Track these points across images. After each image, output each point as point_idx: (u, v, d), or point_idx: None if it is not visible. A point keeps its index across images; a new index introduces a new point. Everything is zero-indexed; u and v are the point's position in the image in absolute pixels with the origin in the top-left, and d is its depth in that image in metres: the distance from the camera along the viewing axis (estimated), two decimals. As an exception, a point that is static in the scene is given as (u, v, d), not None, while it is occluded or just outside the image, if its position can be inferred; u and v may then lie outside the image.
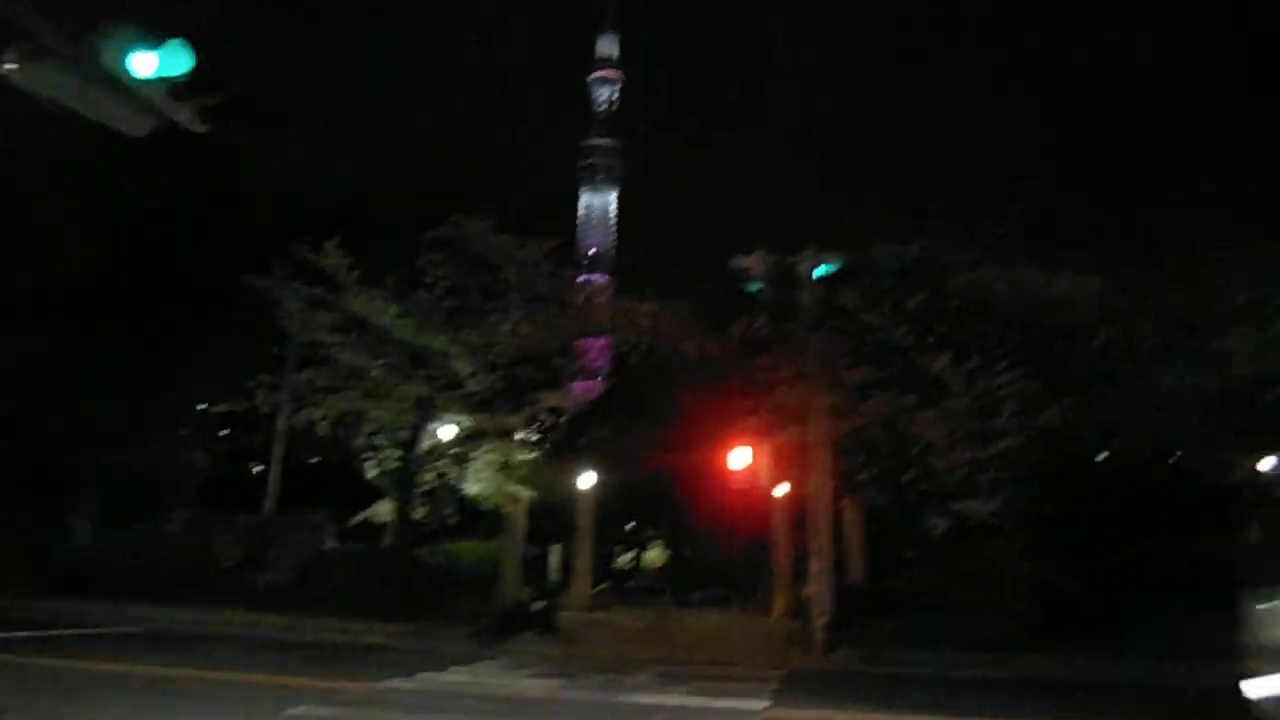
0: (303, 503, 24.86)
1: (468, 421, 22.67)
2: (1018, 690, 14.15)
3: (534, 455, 25.86)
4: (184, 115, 7.94)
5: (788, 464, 20.15)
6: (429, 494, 24.38)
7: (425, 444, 22.30)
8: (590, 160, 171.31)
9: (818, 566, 18.49)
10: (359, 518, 25.15)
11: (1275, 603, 7.54)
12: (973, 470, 18.40)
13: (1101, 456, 20.57)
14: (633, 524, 40.41)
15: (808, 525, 18.87)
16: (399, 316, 19.84)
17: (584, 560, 28.36)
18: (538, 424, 24.99)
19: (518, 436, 24.76)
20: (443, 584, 21.96)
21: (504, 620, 19.99)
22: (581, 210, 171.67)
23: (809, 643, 18.41)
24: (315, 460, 25.96)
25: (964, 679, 15.43)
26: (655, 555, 44.89)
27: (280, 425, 23.69)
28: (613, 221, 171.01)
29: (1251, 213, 18.04)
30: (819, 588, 18.46)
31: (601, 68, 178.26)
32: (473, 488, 25.59)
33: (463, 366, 21.03)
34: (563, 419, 25.22)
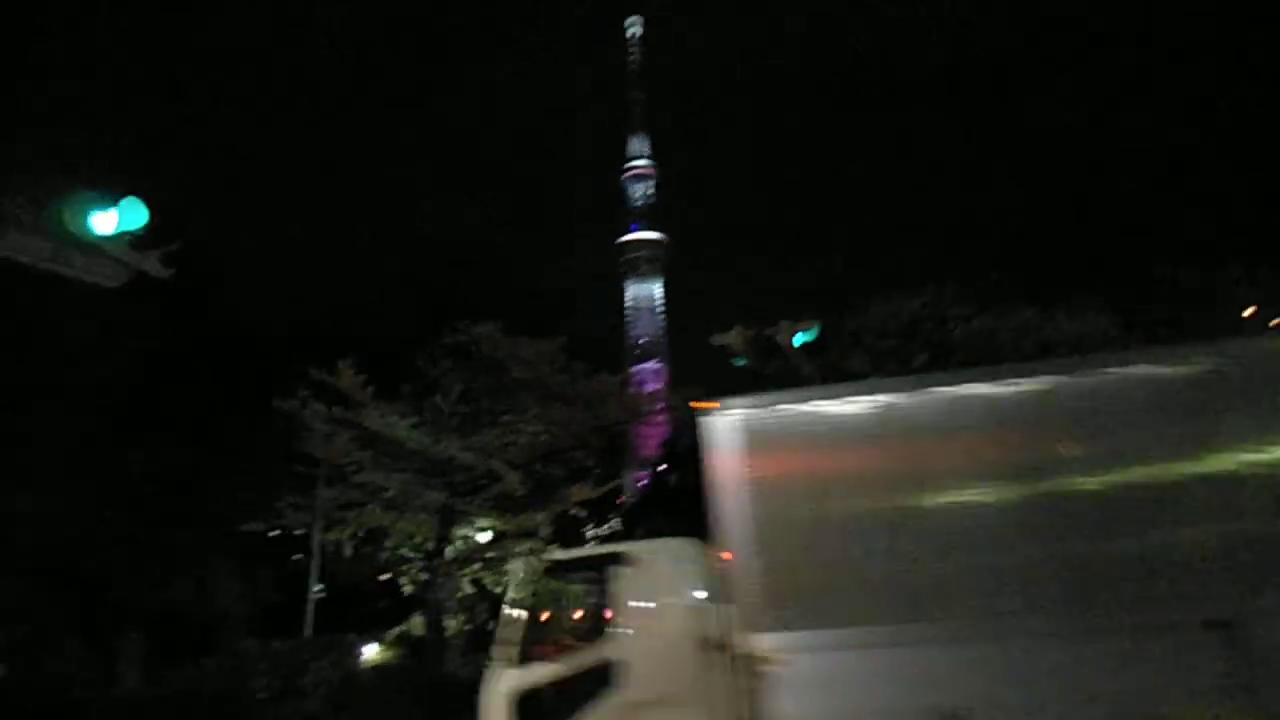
0: (343, 624, 24.95)
1: (493, 525, 22.82)
2: None
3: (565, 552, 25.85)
4: (149, 264, 8.61)
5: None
6: (466, 603, 24.32)
7: (450, 552, 22.37)
8: (632, 254, 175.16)
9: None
10: (393, 633, 25.10)
11: None
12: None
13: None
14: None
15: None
16: (414, 428, 20.22)
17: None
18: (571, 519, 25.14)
19: (543, 533, 24.89)
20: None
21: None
22: (629, 302, 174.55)
23: None
24: (354, 580, 26.18)
25: None
26: None
27: (314, 545, 24.09)
28: (659, 310, 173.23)
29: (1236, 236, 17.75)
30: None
31: (634, 167, 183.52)
32: (515, 592, 25.50)
33: (481, 469, 21.25)
34: (614, 513, 25.16)
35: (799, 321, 14.79)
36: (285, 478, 22.33)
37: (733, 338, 14.61)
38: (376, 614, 26.54)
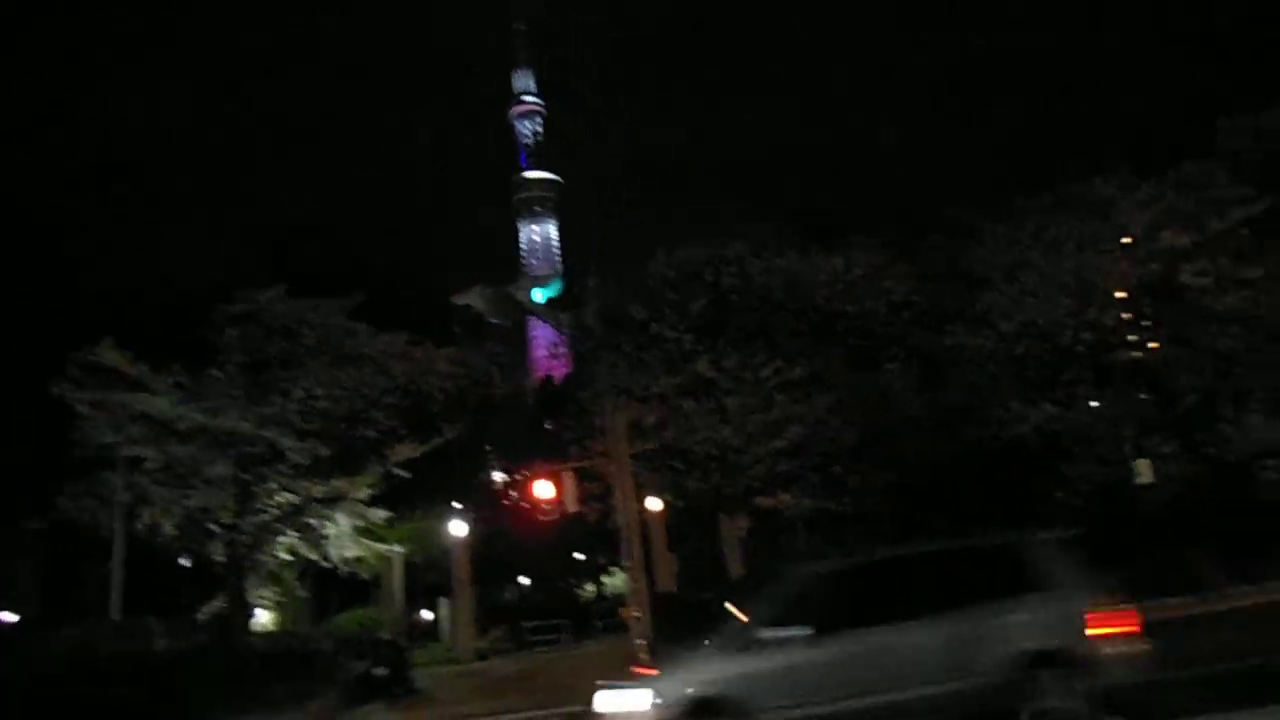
0: (157, 603, 24.17)
1: (298, 493, 22.34)
2: None
3: (389, 514, 25.61)
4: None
5: (599, 486, 19.93)
6: (275, 574, 23.92)
7: (250, 524, 21.79)
8: (525, 195, 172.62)
9: (634, 586, 18.24)
10: (211, 608, 24.50)
11: None
12: (768, 464, 18.33)
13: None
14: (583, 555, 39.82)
15: (623, 545, 18.62)
16: (183, 402, 19.42)
17: (465, 611, 27.83)
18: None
19: (362, 496, 24.56)
20: (290, 666, 21.23)
21: (348, 695, 19.53)
22: (524, 244, 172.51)
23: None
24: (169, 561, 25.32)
25: None
26: (619, 581, 43.28)
27: (116, 527, 23.12)
28: (556, 251, 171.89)
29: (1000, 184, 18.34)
30: (638, 607, 18.20)
31: (522, 103, 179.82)
32: (339, 555, 25.30)
33: (266, 439, 20.65)
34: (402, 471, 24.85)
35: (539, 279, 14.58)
36: (71, 465, 21.33)
37: (474, 297, 14.40)
38: (194, 593, 25.85)
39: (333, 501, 23.17)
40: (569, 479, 19.37)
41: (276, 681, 21.37)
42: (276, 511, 22.11)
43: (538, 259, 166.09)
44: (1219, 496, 18.33)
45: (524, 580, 41.87)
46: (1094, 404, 17.44)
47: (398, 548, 26.91)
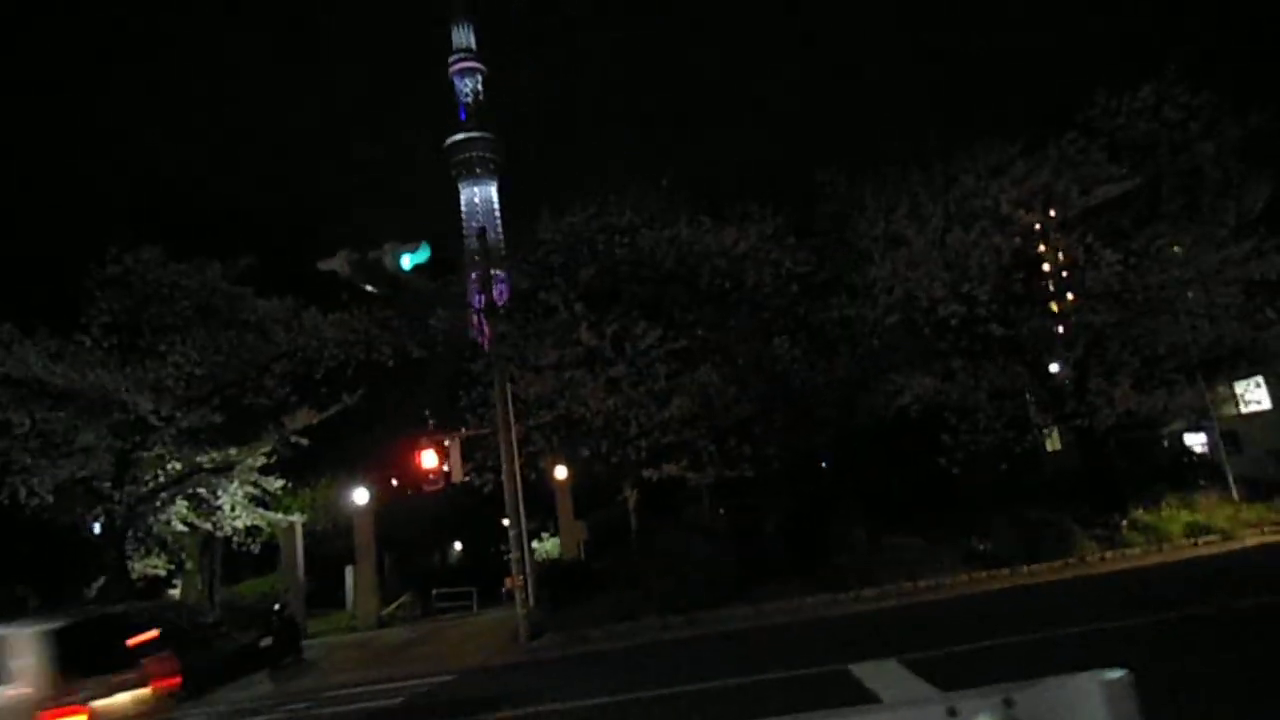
0: (39, 576, 23.43)
1: (178, 462, 21.72)
2: (692, 645, 14.37)
3: (283, 482, 25.12)
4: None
5: (485, 453, 19.74)
6: (162, 542, 23.33)
7: (129, 493, 21.11)
8: (465, 155, 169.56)
9: (516, 555, 18.16)
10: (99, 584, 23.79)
11: None
12: (654, 434, 18.33)
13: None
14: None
15: (507, 513, 18.50)
16: (48, 365, 18.59)
17: (366, 578, 27.61)
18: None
19: (257, 464, 24.03)
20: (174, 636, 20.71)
21: (226, 666, 19.17)
22: (464, 205, 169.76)
23: (518, 633, 18.12)
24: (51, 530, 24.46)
25: (650, 644, 15.53)
26: (550, 546, 42.46)
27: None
28: (497, 212, 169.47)
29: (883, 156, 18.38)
30: (521, 576, 18.15)
31: (461, 59, 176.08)
32: (231, 525, 24.81)
33: (147, 405, 19.93)
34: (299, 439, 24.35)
35: (406, 243, 14.12)
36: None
37: (338, 263, 13.85)
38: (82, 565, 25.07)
39: (223, 470, 22.62)
40: (455, 449, 19.20)
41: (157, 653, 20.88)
42: (159, 480, 21.49)
43: (478, 220, 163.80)
44: (1090, 465, 18.99)
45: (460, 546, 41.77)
46: (969, 376, 17.75)
47: (296, 516, 26.50)
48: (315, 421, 24.83)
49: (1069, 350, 17.64)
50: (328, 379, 23.46)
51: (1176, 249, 16.60)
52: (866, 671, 8.67)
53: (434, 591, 31.16)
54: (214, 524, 23.96)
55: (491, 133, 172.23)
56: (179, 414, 20.73)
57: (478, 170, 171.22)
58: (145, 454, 21.50)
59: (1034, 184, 15.65)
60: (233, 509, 24.09)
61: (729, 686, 9.76)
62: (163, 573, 24.74)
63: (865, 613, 15.67)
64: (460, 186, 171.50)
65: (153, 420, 20.11)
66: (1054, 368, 18.84)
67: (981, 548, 16.85)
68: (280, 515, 25.93)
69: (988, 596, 15.47)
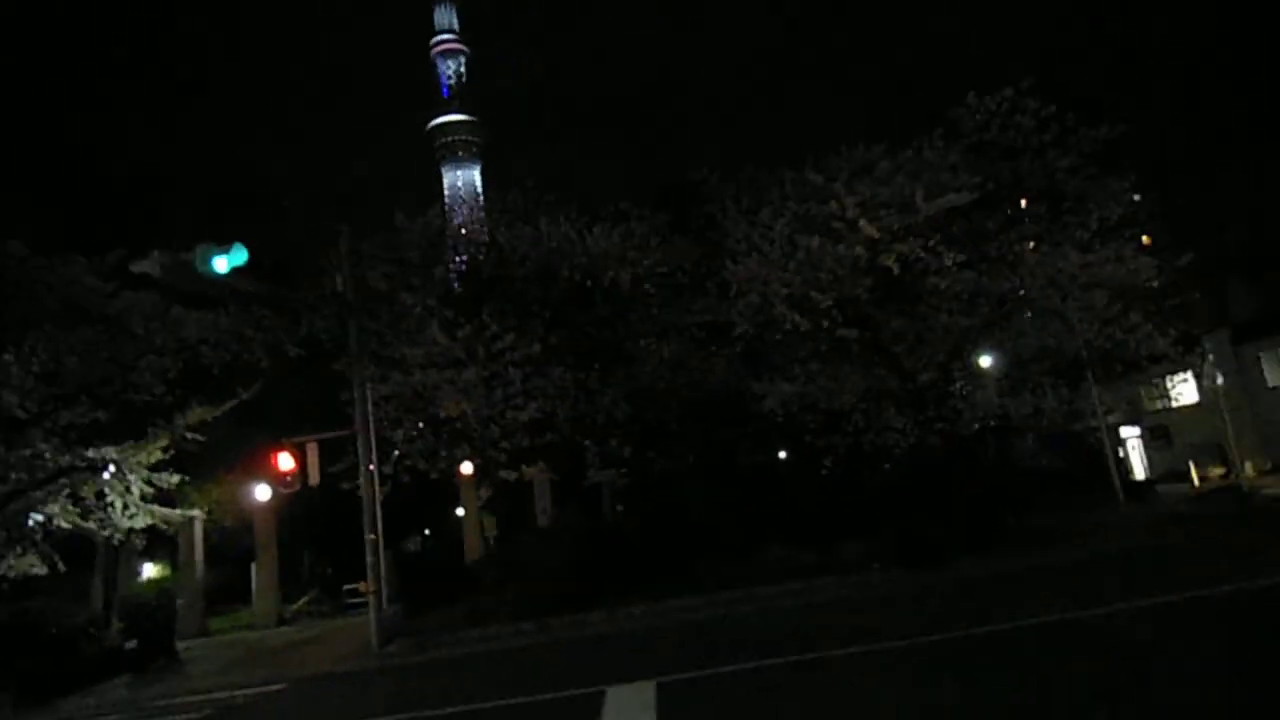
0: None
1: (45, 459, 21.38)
2: (536, 653, 14.37)
3: (180, 478, 24.82)
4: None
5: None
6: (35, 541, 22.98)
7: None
8: (448, 138, 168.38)
9: (371, 560, 17.90)
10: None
11: None
12: (516, 437, 18.08)
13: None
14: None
15: (364, 518, 18.22)
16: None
17: (268, 575, 27.39)
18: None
19: (149, 461, 23.72)
20: (23, 642, 20.40)
21: (87, 671, 18.95)
22: (447, 190, 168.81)
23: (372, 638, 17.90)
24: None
25: (500, 651, 15.42)
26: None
27: None
28: (479, 196, 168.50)
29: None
30: (375, 582, 17.89)
31: (443, 41, 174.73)
32: (128, 521, 24.55)
33: (12, 399, 19.56)
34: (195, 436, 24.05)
35: (222, 245, 13.77)
36: None
37: (150, 265, 13.53)
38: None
39: (100, 468, 22.28)
40: (313, 450, 18.88)
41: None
42: (24, 479, 21.13)
43: (462, 204, 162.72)
44: (955, 468, 18.77)
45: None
46: (830, 381, 17.51)
47: (194, 512, 26.23)
48: (210, 418, 24.54)
49: (929, 354, 17.41)
50: (224, 375, 23.18)
51: (1033, 253, 16.35)
52: (617, 698, 8.61)
53: (344, 588, 30.88)
54: (99, 522, 23.63)
55: (475, 115, 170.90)
56: (50, 409, 20.38)
57: (460, 153, 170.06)
58: (24, 452, 21.16)
59: (883, 190, 15.35)
60: (125, 508, 23.78)
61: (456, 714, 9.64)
62: (42, 571, 24.39)
63: (701, 621, 15.51)
64: (443, 170, 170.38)
65: (20, 415, 19.77)
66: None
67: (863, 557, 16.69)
68: (178, 512, 25.65)
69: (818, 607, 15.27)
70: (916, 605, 13.86)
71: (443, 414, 18.87)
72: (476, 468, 18.58)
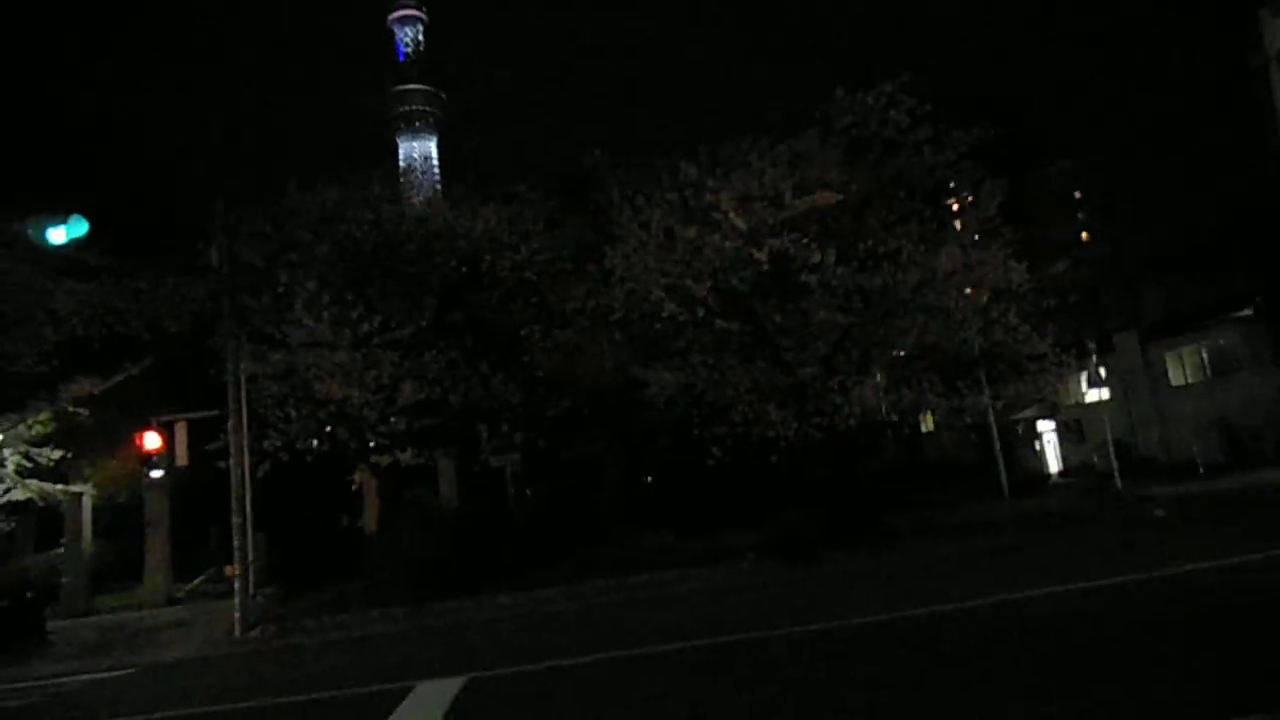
0: None
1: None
2: (386, 641, 14.18)
3: (62, 453, 24.16)
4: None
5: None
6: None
7: None
8: (404, 108, 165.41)
9: (237, 543, 17.51)
10: None
11: None
12: (393, 421, 17.76)
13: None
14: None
15: (233, 501, 17.78)
16: None
17: (156, 554, 26.70)
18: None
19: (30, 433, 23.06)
20: None
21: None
22: (402, 160, 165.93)
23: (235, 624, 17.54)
24: None
25: (357, 638, 15.21)
26: None
27: None
28: (435, 167, 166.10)
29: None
30: (241, 565, 17.51)
31: (402, 5, 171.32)
32: (6, 496, 23.92)
33: None
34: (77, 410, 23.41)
35: (56, 215, 13.17)
36: None
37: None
38: None
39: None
40: (181, 430, 18.40)
41: None
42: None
43: (417, 177, 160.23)
44: (836, 463, 18.92)
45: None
46: (713, 372, 17.43)
47: (76, 488, 25.48)
48: (97, 391, 23.84)
49: (812, 349, 17.41)
50: (104, 349, 22.47)
51: (911, 251, 16.37)
52: (418, 695, 8.60)
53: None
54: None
55: (432, 85, 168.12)
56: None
57: (417, 124, 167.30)
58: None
59: (755, 183, 15.22)
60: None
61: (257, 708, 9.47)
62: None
63: (560, 611, 15.47)
64: (399, 140, 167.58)
65: None
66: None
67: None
68: (58, 487, 24.90)
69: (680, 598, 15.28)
70: (766, 600, 13.94)
71: (321, 394, 18.49)
72: (353, 450, 18.20)
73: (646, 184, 17.17)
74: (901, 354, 17.86)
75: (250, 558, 17.50)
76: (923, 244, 16.45)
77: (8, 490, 23.75)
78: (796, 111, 16.25)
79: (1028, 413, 40.74)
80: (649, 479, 20.96)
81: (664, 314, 16.26)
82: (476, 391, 18.63)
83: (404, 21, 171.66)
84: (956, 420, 20.51)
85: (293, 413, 18.42)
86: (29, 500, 24.94)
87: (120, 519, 30.16)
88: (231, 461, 17.62)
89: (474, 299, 18.23)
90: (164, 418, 18.15)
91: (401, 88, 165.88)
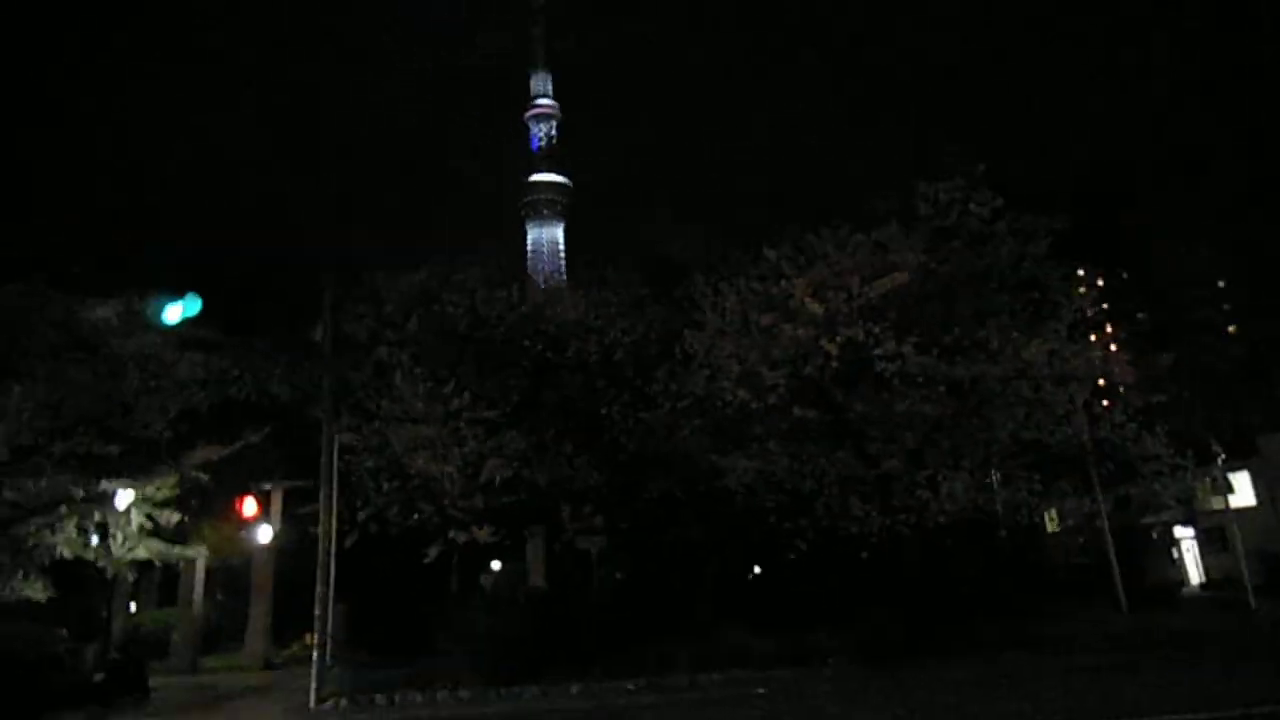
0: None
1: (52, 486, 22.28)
2: None
3: (180, 516, 25.56)
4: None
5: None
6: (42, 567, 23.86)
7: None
8: (534, 197, 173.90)
9: (319, 613, 17.93)
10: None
11: None
12: (474, 497, 18.04)
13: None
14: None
15: (318, 570, 18.31)
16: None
17: (259, 618, 27.69)
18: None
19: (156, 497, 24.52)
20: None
21: (51, 701, 19.40)
22: (530, 245, 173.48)
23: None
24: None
25: (434, 717, 15.31)
26: None
27: None
28: (561, 254, 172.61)
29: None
30: (321, 635, 17.88)
31: (537, 106, 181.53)
32: (130, 554, 25.37)
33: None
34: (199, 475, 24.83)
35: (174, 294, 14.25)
36: None
37: (109, 311, 14.21)
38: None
39: (96, 500, 23.10)
40: (276, 498, 19.24)
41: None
42: (23, 504, 22.02)
43: (544, 261, 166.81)
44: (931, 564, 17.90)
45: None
46: (792, 460, 16.96)
47: (190, 552, 26.86)
48: (217, 458, 25.30)
49: (894, 439, 16.73)
50: (215, 415, 23.90)
51: (1000, 342, 15.66)
52: None
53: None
54: (95, 554, 24.40)
55: (563, 176, 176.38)
56: (48, 440, 21.28)
57: (545, 212, 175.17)
58: (27, 480, 22.11)
59: (828, 271, 15.02)
60: (124, 540, 24.55)
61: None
62: (40, 598, 25.26)
63: (625, 706, 15.02)
64: (528, 227, 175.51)
65: (22, 442, 20.72)
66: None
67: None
68: (176, 549, 26.30)
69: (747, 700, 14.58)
70: (839, 707, 13.13)
71: (411, 469, 19.03)
72: (434, 525, 18.54)
73: (730, 271, 17.23)
74: (994, 450, 16.87)
75: (329, 628, 17.91)
76: (1015, 334, 15.71)
77: (131, 549, 25.18)
78: (879, 202, 16.03)
79: (1162, 517, 37.66)
80: (729, 570, 20.37)
81: (735, 400, 16.04)
82: (560, 471, 18.77)
83: (539, 119, 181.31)
84: (1082, 523, 19.05)
85: (385, 485, 19.00)
86: (149, 560, 26.36)
87: (234, 582, 31.59)
88: (319, 530, 18.25)
89: (560, 380, 18.53)
90: (264, 485, 19.07)
91: (533, 178, 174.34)
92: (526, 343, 18.29)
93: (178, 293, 14.56)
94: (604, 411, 18.41)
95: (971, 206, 15.42)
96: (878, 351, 15.13)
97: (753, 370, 15.71)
